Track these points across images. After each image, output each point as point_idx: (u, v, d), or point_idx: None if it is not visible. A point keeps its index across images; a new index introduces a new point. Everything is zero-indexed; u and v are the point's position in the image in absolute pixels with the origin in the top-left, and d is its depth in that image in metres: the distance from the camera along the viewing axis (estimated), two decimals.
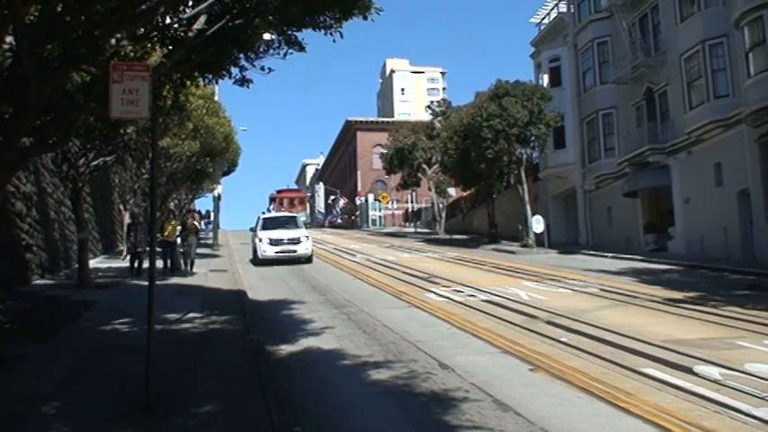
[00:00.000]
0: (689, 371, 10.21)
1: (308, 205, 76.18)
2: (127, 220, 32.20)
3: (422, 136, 60.70)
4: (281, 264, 30.24)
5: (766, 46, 27.05)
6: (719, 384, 9.41)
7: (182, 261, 26.93)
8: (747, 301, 17.58)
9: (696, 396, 8.92)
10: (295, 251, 31.24)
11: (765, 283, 21.28)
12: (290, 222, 34.33)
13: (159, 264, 21.35)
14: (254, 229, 34.51)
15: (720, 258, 28.78)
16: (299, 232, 32.47)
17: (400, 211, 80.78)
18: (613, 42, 40.20)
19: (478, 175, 45.52)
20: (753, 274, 23.67)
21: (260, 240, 31.80)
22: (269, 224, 33.67)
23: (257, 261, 31.72)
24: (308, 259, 31.53)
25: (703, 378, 9.79)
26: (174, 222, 26.86)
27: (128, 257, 26.63)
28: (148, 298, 8.61)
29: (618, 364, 10.86)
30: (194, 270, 26.38)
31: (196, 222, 30.43)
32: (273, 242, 31.30)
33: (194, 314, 15.90)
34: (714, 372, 10.06)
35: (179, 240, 26.70)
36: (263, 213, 36.47)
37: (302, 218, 60.13)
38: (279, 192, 79.87)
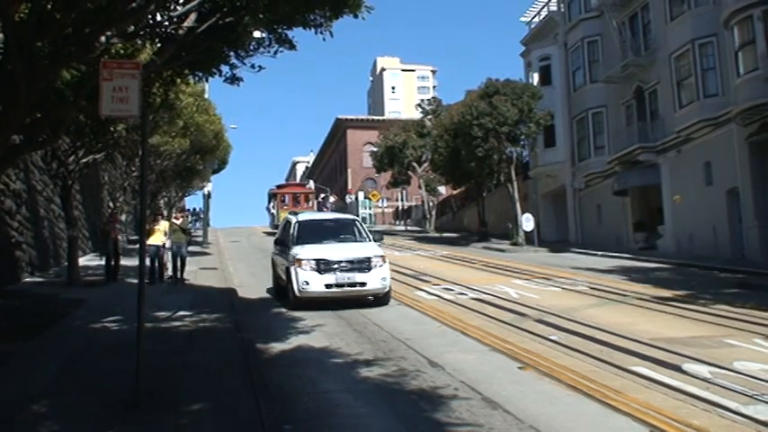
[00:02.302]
0: (678, 369, 10.25)
1: (315, 203, 63.55)
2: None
3: (412, 134, 60.67)
4: (336, 306, 17.21)
5: (756, 45, 27.12)
6: (708, 382, 9.45)
7: (169, 266, 23.61)
8: (736, 300, 17.65)
9: (685, 394, 8.95)
10: (363, 284, 17.62)
11: (754, 282, 21.36)
12: (346, 230, 20.40)
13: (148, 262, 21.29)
14: (281, 242, 19.99)
15: (709, 257, 28.86)
16: (367, 248, 18.66)
17: (390, 210, 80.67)
18: (603, 41, 40.24)
19: (469, 174, 45.52)
20: (742, 273, 23.76)
21: (298, 263, 17.61)
22: (310, 233, 19.29)
23: (295, 301, 17.60)
24: (382, 297, 18.03)
25: (692, 376, 9.83)
26: (161, 225, 23.03)
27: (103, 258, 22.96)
28: (138, 296, 8.59)
29: (607, 362, 10.90)
30: (185, 277, 22.89)
31: (176, 221, 24.72)
32: (323, 267, 17.51)
33: (184, 312, 15.90)
34: (703, 370, 10.10)
35: (167, 244, 23.13)
36: (295, 214, 21.50)
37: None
38: (280, 187, 67.29)
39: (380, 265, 17.85)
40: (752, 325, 14.00)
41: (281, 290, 19.40)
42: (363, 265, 17.73)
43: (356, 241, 19.61)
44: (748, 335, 12.91)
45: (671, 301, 17.74)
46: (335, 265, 17.58)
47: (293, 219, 20.28)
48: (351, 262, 17.71)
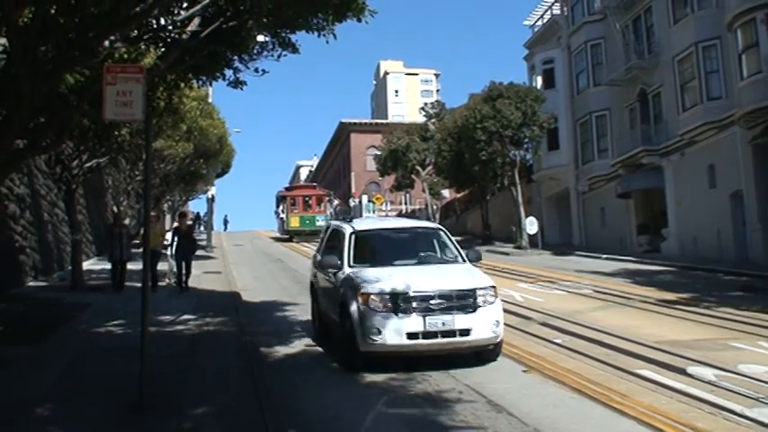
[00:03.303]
0: (683, 372, 10.22)
1: (328, 207, 56.34)
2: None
3: (416, 138, 60.65)
4: (425, 361, 11.23)
5: (759, 48, 27.08)
6: (713, 385, 9.43)
7: (172, 274, 22.07)
8: (741, 302, 17.62)
9: (690, 397, 8.93)
10: (465, 332, 11.07)
11: (758, 285, 21.32)
12: (426, 244, 13.92)
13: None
14: (329, 262, 13.05)
15: (714, 259, 28.82)
16: (466, 274, 12.24)
17: (394, 213, 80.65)
18: (607, 44, 40.25)
19: (472, 177, 45.55)
20: (746, 275, 23.72)
21: (362, 299, 11.18)
22: (373, 249, 13.38)
23: (358, 356, 11.21)
24: (493, 349, 11.69)
25: (697, 379, 9.80)
26: (157, 228, 22.02)
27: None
28: (142, 300, 8.59)
29: (612, 365, 10.88)
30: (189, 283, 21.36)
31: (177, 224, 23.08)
32: (403, 306, 11.02)
33: (188, 316, 15.89)
34: (708, 373, 10.07)
35: (170, 251, 21.75)
36: (345, 220, 14.76)
37: (321, 221, 49.30)
38: (289, 188, 61.41)
39: (491, 302, 11.16)
40: (757, 328, 13.97)
41: (327, 329, 13.44)
42: (466, 301, 10.96)
43: (444, 262, 12.98)
44: (753, 338, 12.88)
45: (675, 303, 17.71)
46: (422, 303, 10.87)
47: (346, 228, 13.29)
48: (446, 297, 10.92)
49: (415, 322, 10.74)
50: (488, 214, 49.08)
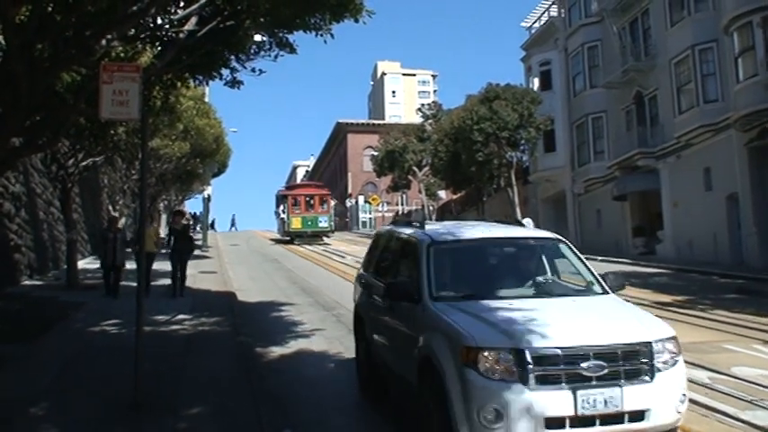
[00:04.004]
0: None
1: (332, 207, 53.39)
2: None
3: (412, 138, 60.81)
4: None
5: (755, 51, 27.15)
6: (707, 388, 9.45)
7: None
8: (735, 305, 17.66)
9: None
10: (638, 415, 6.32)
11: (753, 287, 21.35)
12: (538, 265, 8.82)
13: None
14: (398, 288, 8.05)
15: (709, 262, 28.86)
16: (630, 320, 7.11)
17: (390, 214, 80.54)
18: (604, 47, 40.29)
19: (469, 178, 45.60)
20: (741, 278, 23.77)
21: (468, 358, 6.35)
22: (465, 273, 8.38)
23: None
24: None
25: (691, 381, 9.79)
26: (151, 230, 20.96)
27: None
28: (137, 299, 8.59)
29: None
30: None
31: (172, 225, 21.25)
32: (537, 371, 6.25)
33: (183, 316, 15.87)
34: (702, 375, 10.08)
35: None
36: (412, 225, 9.37)
37: (324, 223, 50.03)
38: (290, 187, 59.10)
39: (672, 363, 6.74)
40: (751, 330, 14.00)
41: (383, 383, 9.24)
42: (638, 362, 6.58)
43: (577, 293, 8.26)
44: (747, 340, 12.92)
45: (670, 306, 17.73)
46: (569, 366, 6.38)
47: (419, 237, 8.64)
48: (608, 356, 6.47)
49: (559, 399, 6.22)
50: (484, 215, 49.01)
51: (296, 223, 49.27)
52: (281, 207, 51.88)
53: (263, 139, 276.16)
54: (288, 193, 52.20)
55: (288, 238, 49.08)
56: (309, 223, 49.35)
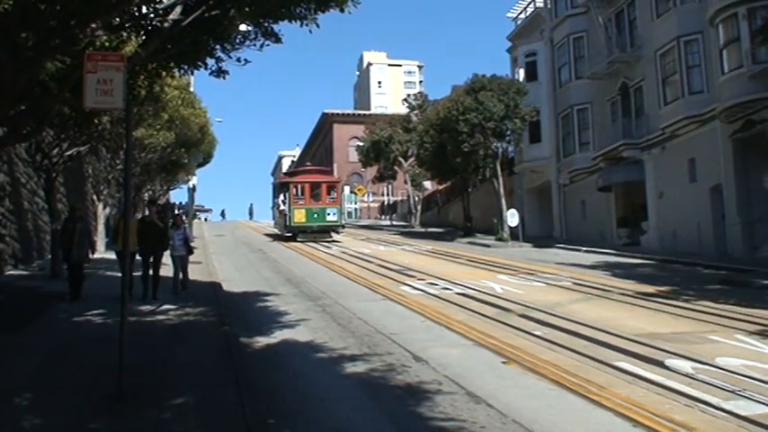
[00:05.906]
0: (660, 364, 10.31)
1: (342, 196, 47.79)
2: (101, 213, 31.80)
3: (398, 129, 60.76)
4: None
5: (740, 43, 27.27)
6: (691, 378, 9.52)
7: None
8: (719, 296, 17.79)
9: (667, 389, 9.01)
10: None
11: (736, 278, 21.51)
12: None
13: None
14: None
15: (693, 253, 29.03)
16: None
17: (376, 204, 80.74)
18: (589, 38, 40.40)
19: (454, 169, 45.58)
20: (725, 269, 23.94)
21: None
22: None
23: None
24: None
25: (675, 372, 9.89)
26: (135, 220, 17.91)
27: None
28: (121, 289, 8.57)
29: (590, 357, 10.95)
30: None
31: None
32: None
33: (168, 306, 15.83)
34: (685, 365, 10.17)
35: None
36: None
37: (334, 216, 41.50)
38: (292, 174, 49.14)
39: None
40: (734, 321, 14.11)
41: None
42: None
43: None
44: (730, 331, 13.01)
45: (654, 296, 17.84)
46: None
47: None
48: None
49: None
50: (470, 206, 49.15)
51: (299, 216, 41.04)
52: (281, 197, 43.55)
53: (249, 129, 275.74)
54: (289, 181, 43.81)
55: (289, 235, 41.54)
56: (315, 216, 41.11)
